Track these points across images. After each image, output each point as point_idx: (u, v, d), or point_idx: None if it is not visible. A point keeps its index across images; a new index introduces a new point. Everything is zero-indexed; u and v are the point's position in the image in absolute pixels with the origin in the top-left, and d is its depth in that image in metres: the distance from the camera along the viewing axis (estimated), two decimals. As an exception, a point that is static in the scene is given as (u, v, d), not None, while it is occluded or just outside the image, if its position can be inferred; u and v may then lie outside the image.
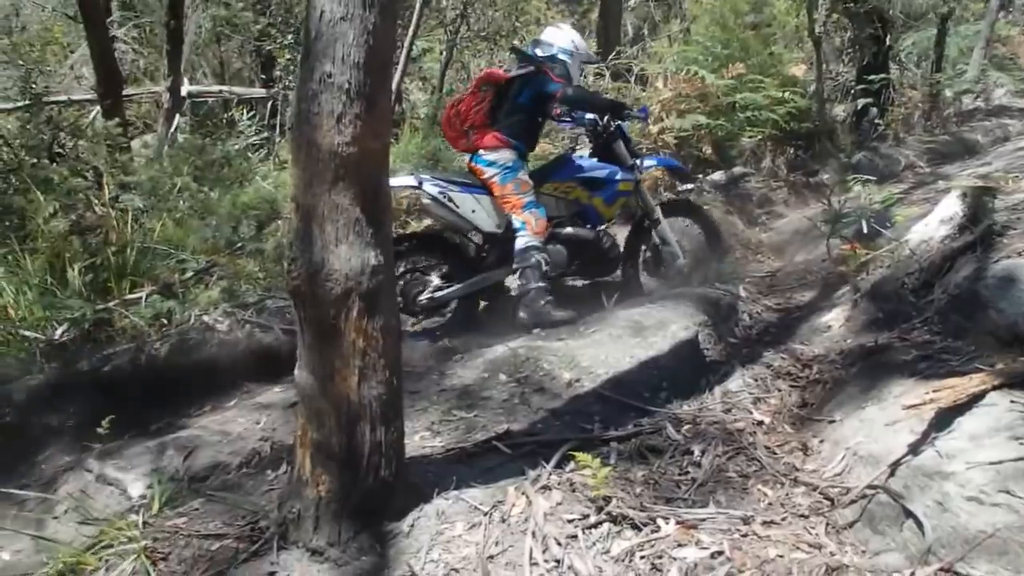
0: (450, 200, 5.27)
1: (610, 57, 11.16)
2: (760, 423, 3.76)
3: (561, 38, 5.57)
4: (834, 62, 11.01)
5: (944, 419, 2.95)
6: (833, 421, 3.56)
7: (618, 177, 5.62)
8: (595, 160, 5.68)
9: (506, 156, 5.28)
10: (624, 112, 5.60)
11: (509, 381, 4.15)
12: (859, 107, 9.86)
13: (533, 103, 5.35)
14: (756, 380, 4.20)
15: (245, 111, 10.19)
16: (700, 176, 8.28)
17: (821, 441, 3.48)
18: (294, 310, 2.78)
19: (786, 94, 9.07)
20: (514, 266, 5.25)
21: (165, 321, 4.78)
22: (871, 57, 10.17)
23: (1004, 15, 13.63)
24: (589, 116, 5.75)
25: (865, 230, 5.55)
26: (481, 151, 5.32)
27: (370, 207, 2.66)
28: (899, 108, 10.47)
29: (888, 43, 10.17)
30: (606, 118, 5.66)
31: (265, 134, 9.75)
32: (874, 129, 9.70)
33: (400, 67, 9.89)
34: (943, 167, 8.45)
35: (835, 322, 4.73)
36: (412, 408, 3.90)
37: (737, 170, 8.72)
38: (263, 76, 12.28)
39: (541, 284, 5.15)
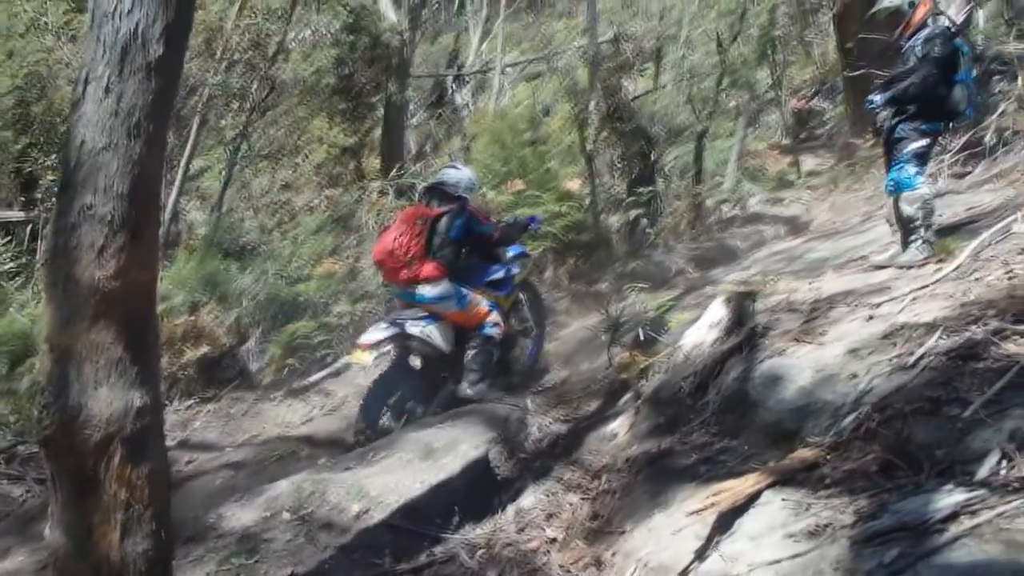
0: (428, 335, 5.78)
1: (391, 174, 11.28)
2: (553, 540, 3.72)
3: (462, 176, 6.23)
4: (607, 176, 11.57)
5: (725, 521, 3.00)
6: (624, 532, 3.57)
7: (513, 272, 6.54)
8: (484, 264, 6.40)
9: (445, 286, 5.79)
10: (534, 225, 6.80)
11: (293, 519, 3.93)
12: (631, 218, 10.38)
13: (462, 235, 5.93)
14: (548, 495, 4.17)
15: (1, 236, 9.44)
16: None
17: (613, 554, 3.46)
18: (46, 462, 2.50)
19: (563, 207, 9.45)
20: (473, 344, 5.89)
21: None
22: (639, 171, 10.79)
23: (752, 130, 14.87)
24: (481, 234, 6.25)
25: (642, 337, 5.75)
26: (421, 287, 5.74)
27: (135, 344, 2.51)
28: (667, 218, 11.11)
29: (654, 158, 10.85)
30: None
31: (24, 260, 9.08)
32: (646, 238, 10.22)
33: (176, 186, 9.55)
34: (710, 271, 8.98)
35: (620, 429, 4.81)
36: (186, 559, 3.62)
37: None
38: (23, 198, 11.49)
39: (482, 370, 5.87)
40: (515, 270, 6.59)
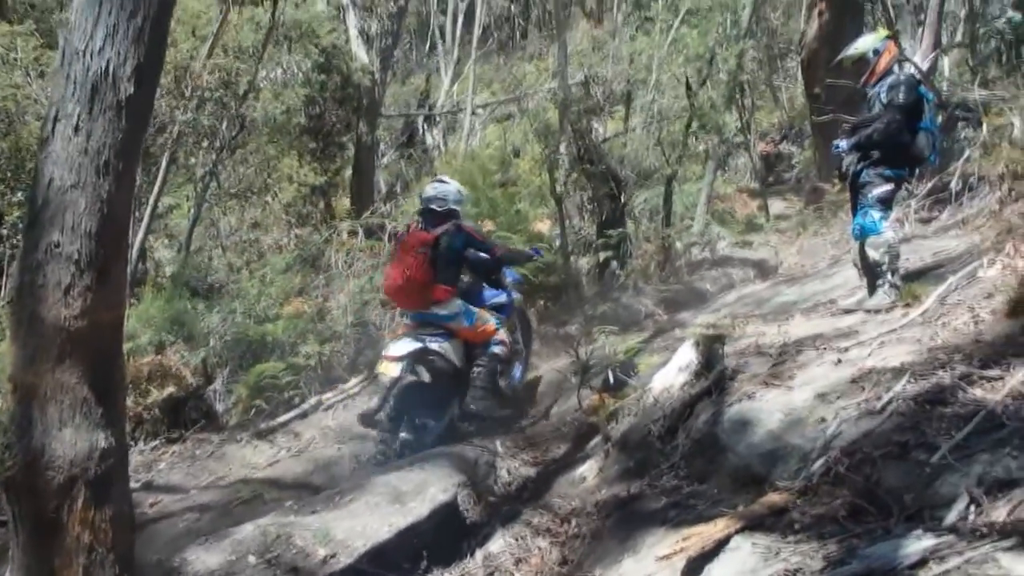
0: (445, 351, 6.06)
1: (364, 214, 11.26)
2: (522, 586, 3.66)
3: (450, 191, 6.28)
4: (576, 218, 11.59)
5: (695, 567, 2.98)
6: (593, 578, 3.53)
7: (514, 297, 6.86)
8: (486, 288, 6.68)
9: (456, 304, 6.08)
10: (537, 256, 7.27)
11: (259, 563, 3.84)
12: (601, 260, 10.39)
13: (459, 255, 6.10)
14: (517, 539, 4.13)
15: (-38, 274, 9.32)
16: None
17: (583, 601, 3.43)
18: (7, 504, 2.45)
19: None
20: (480, 361, 6.17)
21: None
22: (609, 213, 10.78)
23: (721, 174, 15.02)
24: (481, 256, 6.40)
25: (612, 380, 5.75)
26: (433, 308, 6.01)
27: (100, 384, 2.47)
28: (637, 260, 11.11)
29: (623, 200, 10.88)
30: None
31: (-14, 297, 8.93)
32: (615, 280, 10.22)
33: (144, 224, 9.48)
34: (679, 314, 8.99)
35: (590, 473, 4.78)
36: (147, 605, 3.50)
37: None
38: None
39: (489, 386, 6.16)
40: (516, 295, 6.92)
